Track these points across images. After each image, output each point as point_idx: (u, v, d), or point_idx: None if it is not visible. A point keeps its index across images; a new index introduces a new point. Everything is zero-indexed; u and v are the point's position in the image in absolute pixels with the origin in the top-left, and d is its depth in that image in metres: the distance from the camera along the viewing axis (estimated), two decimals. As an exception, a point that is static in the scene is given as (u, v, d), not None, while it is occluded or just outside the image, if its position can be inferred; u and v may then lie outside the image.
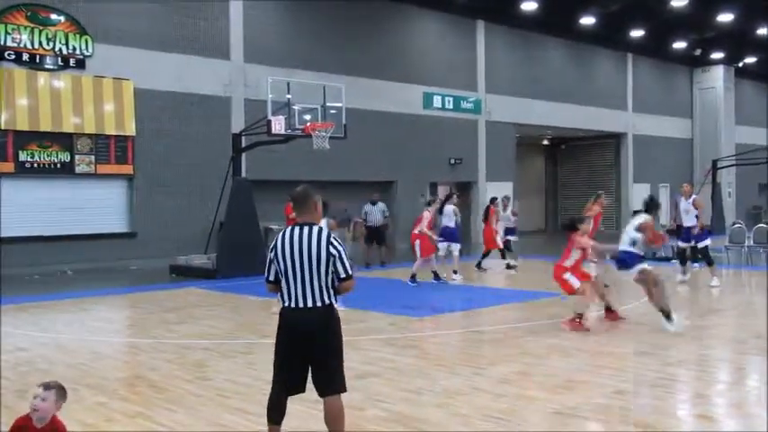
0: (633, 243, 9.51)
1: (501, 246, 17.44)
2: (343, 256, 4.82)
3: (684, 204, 16.25)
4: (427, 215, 14.93)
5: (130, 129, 19.03)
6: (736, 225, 19.42)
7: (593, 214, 12.76)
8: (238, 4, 21.10)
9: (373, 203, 19.15)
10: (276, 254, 4.83)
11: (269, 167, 20.51)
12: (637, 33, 31.31)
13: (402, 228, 25.23)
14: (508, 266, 17.27)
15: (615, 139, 35.01)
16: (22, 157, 17.47)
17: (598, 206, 13.50)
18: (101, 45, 18.55)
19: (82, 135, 18.35)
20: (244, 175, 18.06)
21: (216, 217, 18.04)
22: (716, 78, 37.47)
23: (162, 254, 18.55)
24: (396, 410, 6.08)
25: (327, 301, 4.81)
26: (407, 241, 25.02)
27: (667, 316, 9.18)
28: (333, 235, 4.88)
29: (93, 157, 18.54)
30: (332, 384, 4.85)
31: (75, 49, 18.23)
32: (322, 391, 4.87)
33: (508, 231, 18.58)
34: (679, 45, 34.01)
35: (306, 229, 4.81)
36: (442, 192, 28.16)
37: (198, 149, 20.03)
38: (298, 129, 16.36)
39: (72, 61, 18.22)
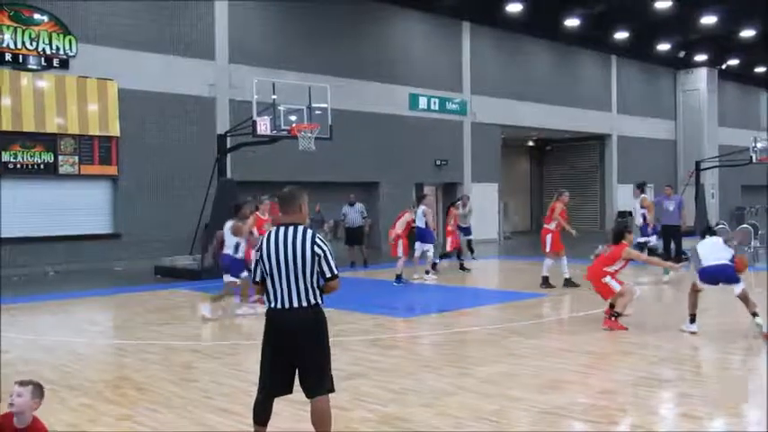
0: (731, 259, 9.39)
1: (456, 246, 17.53)
2: (329, 255, 4.81)
3: (666, 204, 16.87)
4: (408, 216, 15.19)
5: (114, 129, 18.91)
6: (720, 226, 19.57)
7: (558, 212, 13.65)
8: (223, 4, 21.03)
9: (351, 204, 19.00)
10: (262, 254, 4.82)
11: (254, 168, 20.46)
12: (621, 35, 31.49)
13: (386, 228, 25.23)
14: (462, 267, 17.16)
15: (600, 140, 35.20)
16: (5, 157, 17.32)
17: (561, 203, 13.96)
18: (84, 45, 18.43)
19: (65, 135, 18.22)
20: (229, 175, 18.03)
21: (201, 218, 17.96)
22: (699, 80, 37.76)
23: (146, 255, 18.46)
24: (383, 411, 6.07)
25: (313, 302, 4.79)
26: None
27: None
28: (318, 235, 4.87)
29: (76, 158, 18.42)
30: (319, 385, 4.82)
31: (58, 49, 18.10)
32: (309, 393, 4.86)
33: (465, 231, 18.62)
34: (663, 47, 34.24)
35: (291, 230, 4.80)
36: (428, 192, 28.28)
37: (183, 150, 19.94)
38: (283, 130, 16.31)
39: (55, 61, 18.09)
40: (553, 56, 31.70)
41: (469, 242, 19.04)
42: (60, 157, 18.16)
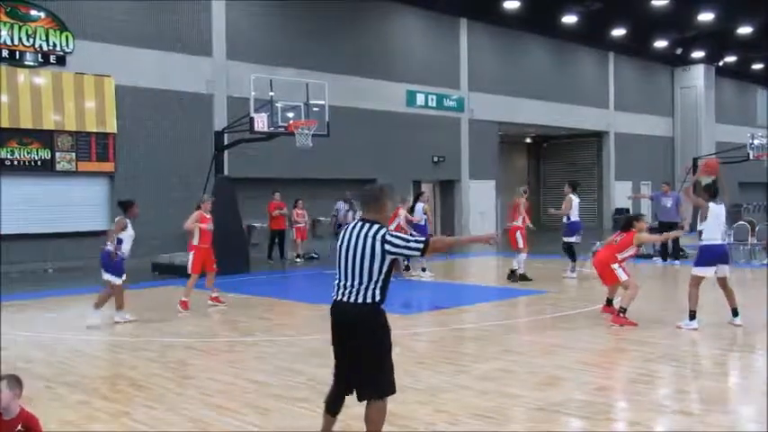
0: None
1: None
2: (401, 244, 4.71)
3: (664, 201, 17.03)
4: (402, 213, 15.22)
5: (111, 126, 18.88)
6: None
7: (523, 208, 14.64)
8: (221, 1, 20.98)
9: (346, 201, 18.86)
10: (337, 247, 4.89)
11: (252, 165, 20.43)
12: (618, 32, 31.47)
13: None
14: (423, 269, 16.09)
15: (597, 137, 35.21)
16: (2, 154, 17.27)
17: (523, 200, 14.81)
18: (81, 41, 18.39)
19: (62, 132, 18.18)
20: (226, 172, 17.99)
21: (198, 215, 17.92)
22: (696, 77, 37.77)
23: (144, 252, 18.32)
24: (379, 408, 6.06)
25: (370, 300, 4.71)
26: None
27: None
28: (390, 232, 4.78)
29: (74, 155, 18.38)
30: (372, 386, 4.77)
31: (55, 45, 18.06)
32: (362, 394, 4.82)
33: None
34: (660, 44, 34.24)
35: (366, 226, 4.80)
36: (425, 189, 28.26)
37: (180, 147, 19.91)
38: (281, 126, 16.29)
39: (52, 58, 18.04)
40: (550, 53, 31.68)
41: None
42: (57, 154, 18.12)
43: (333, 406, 4.96)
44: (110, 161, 18.94)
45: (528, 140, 37.17)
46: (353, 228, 4.84)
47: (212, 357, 8.18)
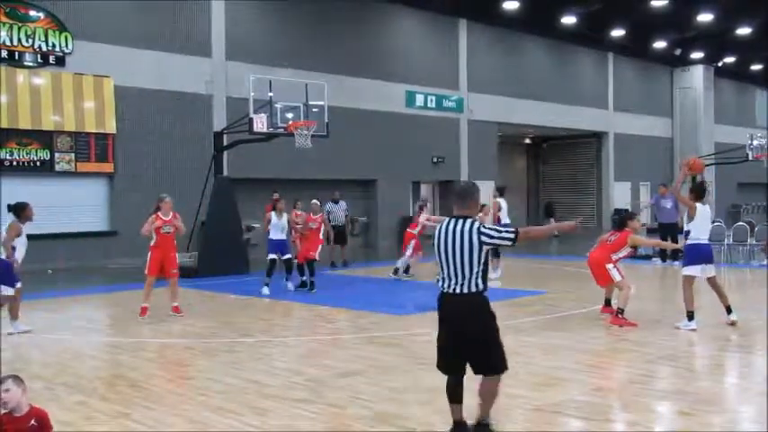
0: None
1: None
2: (495, 235, 5.10)
3: (663, 202, 17.16)
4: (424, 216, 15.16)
5: (111, 127, 18.88)
6: (716, 223, 19.60)
7: (494, 211, 14.90)
8: (220, 2, 20.99)
9: (335, 202, 18.70)
10: (435, 243, 5.21)
11: (251, 166, 20.43)
12: (617, 33, 31.48)
13: (384, 225, 25.29)
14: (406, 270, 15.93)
15: (596, 137, 35.20)
16: (1, 154, 17.27)
17: (493, 203, 15.13)
18: (81, 42, 18.39)
19: (62, 133, 18.19)
20: (225, 173, 17.98)
21: (197, 215, 17.92)
22: (695, 78, 37.77)
23: (143, 252, 18.25)
24: (379, 409, 6.07)
25: (474, 289, 5.07)
26: (389, 238, 25.19)
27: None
28: (483, 224, 5.18)
29: (73, 155, 18.39)
30: (488, 364, 5.16)
31: (54, 45, 18.06)
32: (476, 370, 5.20)
33: None
34: (659, 45, 34.25)
35: (461, 222, 5.14)
36: (424, 190, 28.28)
37: (179, 147, 19.91)
38: (280, 127, 16.27)
39: (52, 58, 18.05)
40: (550, 53, 31.69)
41: None
42: (57, 155, 18.13)
43: (456, 395, 5.28)
44: (109, 162, 18.94)
45: (527, 141, 37.17)
46: (448, 225, 5.18)
47: (212, 358, 8.18)
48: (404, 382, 6.92)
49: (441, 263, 5.16)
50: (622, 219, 10.77)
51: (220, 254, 16.44)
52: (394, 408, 6.11)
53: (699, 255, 9.41)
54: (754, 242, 18.42)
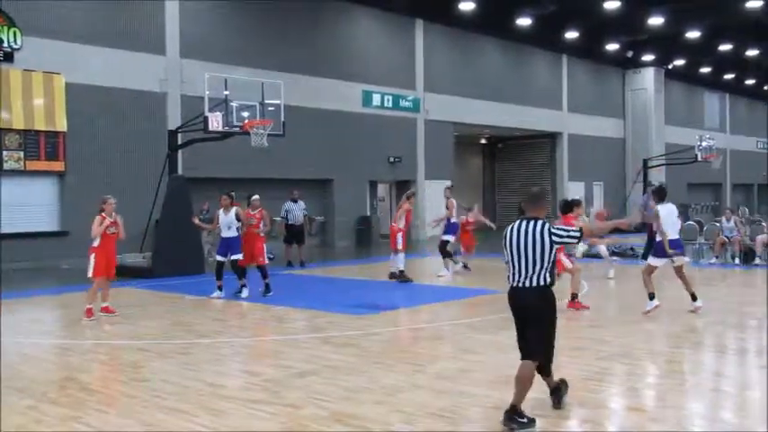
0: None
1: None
2: (563, 234, 5.73)
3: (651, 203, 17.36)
4: (407, 207, 15.00)
5: (62, 124, 18.49)
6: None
7: (405, 210, 14.77)
8: (174, 0, 20.72)
9: (294, 201, 18.54)
10: (505, 241, 5.77)
11: (206, 165, 20.21)
12: (571, 35, 31.91)
13: (341, 225, 25.24)
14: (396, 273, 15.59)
15: (551, 138, 35.67)
16: (-54, 152, 16.81)
17: (408, 204, 14.94)
18: (30, 38, 17.96)
19: (10, 131, 17.74)
20: (180, 172, 17.76)
21: (151, 215, 17.67)
22: (647, 80, 38.52)
23: (95, 253, 18.05)
24: (335, 409, 6.05)
25: (542, 283, 5.65)
26: (346, 238, 25.16)
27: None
28: (552, 224, 5.80)
29: (22, 154, 17.96)
30: (529, 349, 5.71)
31: (2, 41, 17.61)
32: (522, 354, 5.75)
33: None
34: (611, 47, 34.82)
35: (532, 222, 5.72)
36: (381, 189, 28.29)
37: (132, 146, 19.59)
38: (235, 126, 16.14)
39: (-1, 54, 17.62)
40: (505, 54, 32.00)
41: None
42: (5, 153, 17.68)
43: (544, 372, 5.86)
44: (60, 160, 18.55)
45: (483, 141, 37.47)
46: (519, 225, 5.74)
47: (166, 359, 8.06)
48: (360, 382, 6.91)
49: (512, 259, 5.72)
50: (567, 203, 11.20)
51: (175, 254, 16.22)
52: (351, 407, 6.10)
53: (665, 250, 10.20)
54: (702, 241, 18.83)
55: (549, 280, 5.68)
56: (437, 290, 14.16)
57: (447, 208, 16.14)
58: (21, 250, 17.65)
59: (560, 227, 5.88)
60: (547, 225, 5.69)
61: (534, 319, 5.68)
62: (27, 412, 6.09)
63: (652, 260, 10.43)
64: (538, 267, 5.63)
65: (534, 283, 5.65)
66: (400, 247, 14.76)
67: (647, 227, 17.82)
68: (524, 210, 5.91)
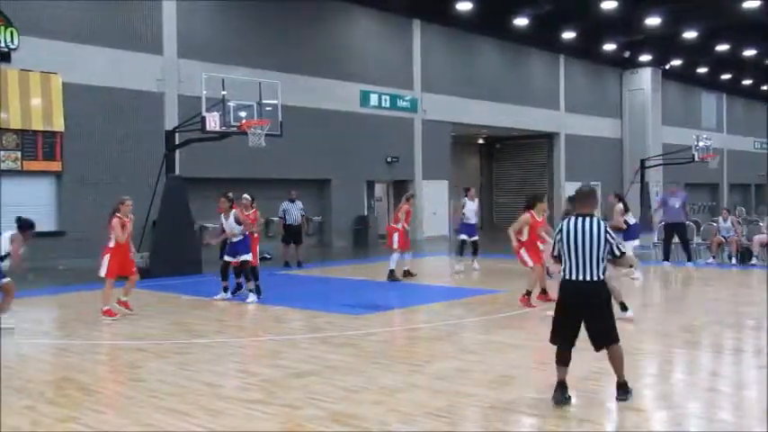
0: None
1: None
2: (614, 241, 6.13)
3: (672, 201, 17.35)
4: (407, 208, 15.10)
5: (59, 124, 18.46)
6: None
7: (405, 211, 14.95)
8: (172, 0, 20.69)
9: (291, 201, 18.50)
10: (562, 237, 6.12)
11: (203, 165, 20.19)
12: (569, 35, 31.92)
13: (338, 225, 25.24)
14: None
15: (548, 138, 35.68)
16: (-57, 152, 16.77)
17: (408, 205, 15.19)
18: (27, 38, 17.93)
19: (7, 131, 17.71)
20: (177, 172, 17.74)
21: (149, 215, 17.64)
22: (644, 80, 38.54)
23: (92, 253, 17.87)
24: (333, 409, 6.05)
25: (597, 278, 6.02)
26: (343, 238, 25.16)
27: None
28: (607, 225, 6.19)
29: (19, 154, 17.93)
30: (608, 339, 6.10)
31: (-1, 41, 17.61)
32: (598, 345, 6.15)
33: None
34: (609, 47, 34.84)
35: (588, 220, 6.10)
36: (379, 190, 28.29)
37: (130, 146, 19.57)
38: (233, 126, 16.14)
39: (-4, 54, 17.58)
40: (503, 54, 32.01)
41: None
42: (2, 153, 17.65)
43: (565, 361, 6.18)
44: (57, 160, 18.52)
45: (480, 141, 37.49)
46: (576, 222, 6.09)
47: (164, 360, 8.05)
48: (358, 382, 6.91)
49: (568, 254, 6.05)
50: (529, 199, 11.27)
51: (172, 254, 16.21)
52: (349, 407, 6.10)
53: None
54: (700, 241, 18.84)
55: (603, 274, 6.07)
56: (436, 290, 14.17)
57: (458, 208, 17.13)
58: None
59: (613, 234, 6.21)
60: (604, 224, 6.10)
61: (599, 311, 6.06)
62: (25, 412, 6.09)
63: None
64: (595, 263, 6.00)
65: (595, 278, 6.01)
66: (396, 246, 14.80)
67: (668, 227, 17.56)
68: (574, 207, 6.27)
